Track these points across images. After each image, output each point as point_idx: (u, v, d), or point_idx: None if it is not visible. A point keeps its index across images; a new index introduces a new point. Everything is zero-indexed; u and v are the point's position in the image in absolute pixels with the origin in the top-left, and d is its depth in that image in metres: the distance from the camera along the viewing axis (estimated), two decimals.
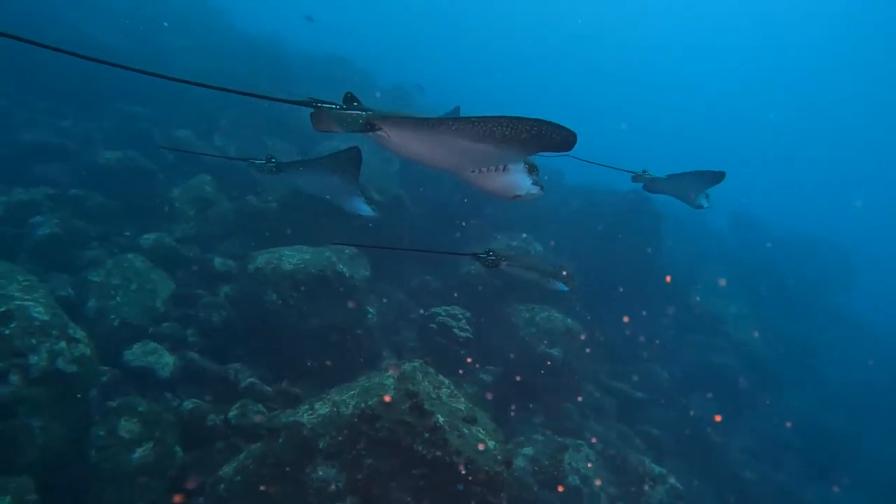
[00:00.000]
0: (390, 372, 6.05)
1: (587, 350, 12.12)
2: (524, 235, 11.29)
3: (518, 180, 3.58)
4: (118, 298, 6.93)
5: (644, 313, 14.25)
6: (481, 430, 5.71)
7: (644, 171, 6.74)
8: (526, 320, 10.03)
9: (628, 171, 6.75)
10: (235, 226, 9.52)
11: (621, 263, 13.76)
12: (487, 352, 10.15)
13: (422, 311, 10.14)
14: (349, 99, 3.16)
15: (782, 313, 18.97)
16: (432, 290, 11.50)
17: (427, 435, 5.28)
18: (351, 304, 8.33)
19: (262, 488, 5.13)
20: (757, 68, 57.92)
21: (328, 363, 7.81)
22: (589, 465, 8.23)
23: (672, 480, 8.47)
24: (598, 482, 8.16)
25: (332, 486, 5.10)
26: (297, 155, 12.23)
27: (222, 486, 5.23)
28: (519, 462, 7.93)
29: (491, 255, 4.98)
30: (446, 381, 6.34)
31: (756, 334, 16.48)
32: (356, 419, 5.34)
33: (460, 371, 9.33)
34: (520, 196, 3.66)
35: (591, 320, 12.90)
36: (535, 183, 3.66)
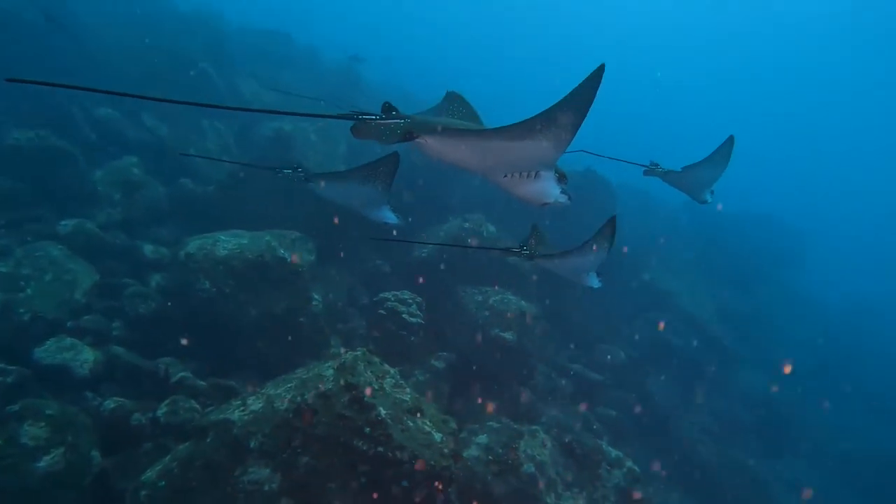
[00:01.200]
0: (330, 363, 5.66)
1: (543, 332, 11.96)
2: (477, 216, 10.94)
3: (548, 188, 3.67)
4: (29, 290, 6.31)
5: (600, 293, 14.11)
6: (427, 423, 5.37)
7: (656, 165, 6.58)
8: (479, 304, 9.72)
9: (640, 165, 6.59)
10: (169, 211, 8.90)
11: (576, 241, 13.53)
12: (440, 337, 9.82)
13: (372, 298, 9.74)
14: (387, 108, 3.25)
15: (737, 291, 19.20)
16: (384, 274, 11.09)
17: (368, 430, 4.91)
18: (293, 292, 7.87)
19: (188, 493, 4.69)
20: (719, 50, 58.53)
21: (269, 354, 7.36)
22: (545, 451, 8.01)
23: (629, 464, 8.32)
24: (553, 468, 7.97)
25: (266, 488, 4.69)
26: (233, 137, 11.58)
27: (144, 492, 4.75)
28: (472, 451, 7.64)
29: (525, 250, 5.27)
30: (391, 371, 5.96)
31: (711, 313, 16.61)
32: (291, 414, 4.93)
33: (411, 358, 8.99)
34: (548, 203, 3.76)
35: (546, 301, 12.71)
36: (563, 192, 3.77)
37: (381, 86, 21.60)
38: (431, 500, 5.05)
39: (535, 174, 3.54)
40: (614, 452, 8.45)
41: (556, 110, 2.84)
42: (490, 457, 7.62)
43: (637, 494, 8.12)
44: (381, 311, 9.01)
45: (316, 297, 8.92)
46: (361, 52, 19.96)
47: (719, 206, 23.40)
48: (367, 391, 5.16)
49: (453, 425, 8.42)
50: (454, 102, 4.92)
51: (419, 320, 9.13)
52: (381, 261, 11.10)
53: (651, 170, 6.51)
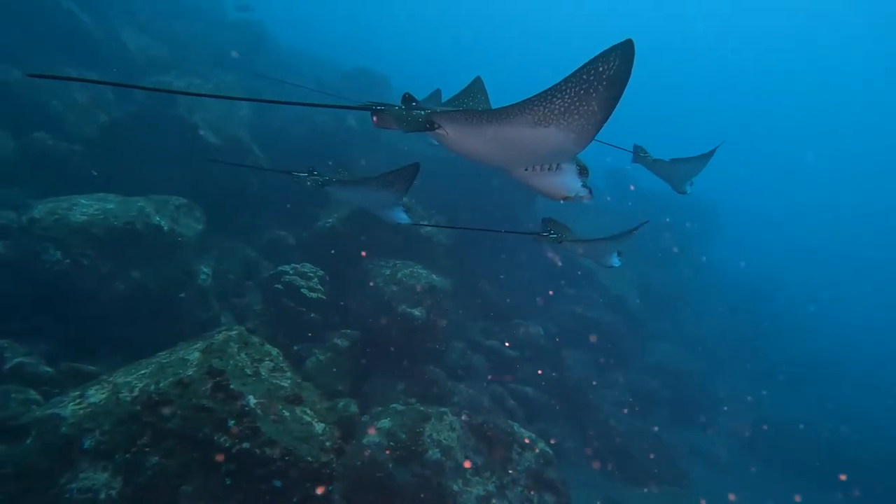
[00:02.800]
0: (199, 344, 4.86)
1: (456, 308, 11.47)
2: None
3: (569, 181, 3.57)
4: None
5: (518, 268, 13.80)
6: (308, 412, 4.69)
7: (644, 151, 6.44)
8: (387, 278, 9.04)
9: (628, 150, 6.44)
10: (20, 170, 7.67)
11: (494, 216, 13.11)
12: (344, 313, 9.11)
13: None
14: (407, 99, 3.23)
15: (655, 267, 19.41)
16: (288, 246, 10.23)
17: (232, 423, 4.18)
18: (172, 264, 6.93)
19: None
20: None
21: (142, 334, 6.43)
22: (453, 434, 7.50)
23: (541, 445, 7.93)
24: (462, 453, 7.49)
25: (102, 495, 3.89)
26: (109, 88, 10.21)
27: None
28: (373, 437, 7.01)
29: (553, 234, 5.21)
30: (273, 353, 5.23)
31: (629, 288, 16.64)
32: (140, 407, 4.13)
33: (311, 336, 8.26)
34: (569, 197, 3.65)
35: (460, 276, 12.22)
36: (584, 185, 3.65)
37: (291, 52, 20.11)
38: (310, 501, 4.40)
39: (557, 167, 3.46)
40: (526, 434, 8.04)
41: (573, 83, 2.63)
42: (392, 443, 7.03)
43: (549, 476, 7.78)
44: (278, 286, 8.20)
45: (205, 270, 8.02)
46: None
47: (631, 187, 23.71)
48: (237, 377, 4.42)
49: (354, 408, 7.86)
50: (475, 93, 4.81)
51: (320, 295, 8.39)
52: (285, 231, 10.23)
53: (640, 157, 6.33)
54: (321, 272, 8.59)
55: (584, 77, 2.56)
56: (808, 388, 19.13)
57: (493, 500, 7.34)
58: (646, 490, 11.06)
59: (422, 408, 7.81)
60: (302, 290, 8.21)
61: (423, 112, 3.13)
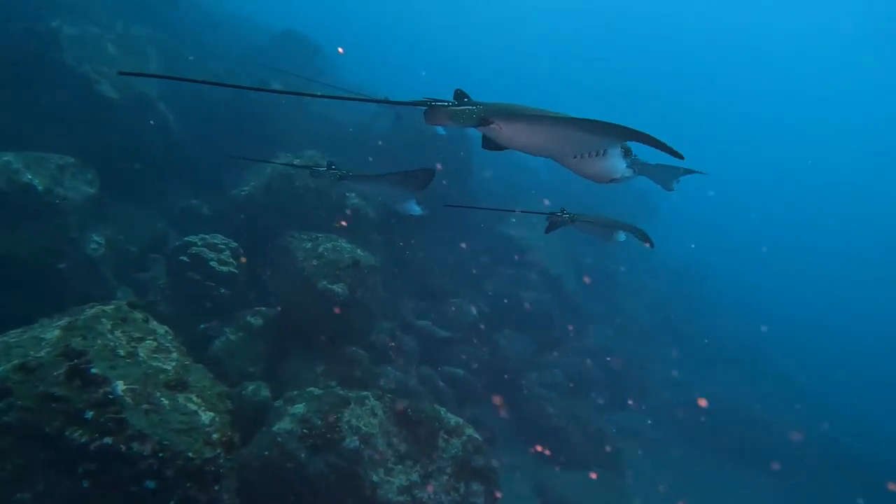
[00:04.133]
0: (64, 320, 4.08)
1: (384, 285, 10.88)
2: (310, 153, 9.45)
3: (615, 164, 3.68)
4: None
5: (455, 246, 13.31)
6: (194, 399, 4.00)
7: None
8: (307, 252, 8.32)
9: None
10: None
11: (429, 191, 12.51)
12: (261, 290, 8.38)
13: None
14: (459, 95, 3.33)
15: (591, 248, 19.32)
16: (202, 216, 9.35)
17: (91, 414, 3.46)
18: (49, 230, 6.02)
19: None
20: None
21: (5, 308, 5.52)
22: (374, 420, 6.95)
23: (469, 431, 7.45)
24: (384, 440, 6.96)
25: None
26: None
27: None
28: (284, 424, 6.38)
29: (566, 214, 5.50)
30: (160, 331, 4.50)
31: (566, 269, 16.44)
32: None
33: (220, 314, 7.49)
34: (616, 179, 3.78)
35: (392, 252, 11.63)
36: (629, 166, 3.78)
37: (213, 7, 18.41)
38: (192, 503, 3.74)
39: (604, 152, 3.60)
40: (454, 419, 7.55)
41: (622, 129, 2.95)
42: (306, 430, 6.41)
43: (477, 463, 7.33)
44: (183, 258, 7.37)
45: (96, 239, 7.13)
46: None
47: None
48: (105, 360, 3.69)
49: (266, 392, 7.17)
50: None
51: (232, 269, 7.61)
52: (198, 200, 9.33)
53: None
54: (234, 244, 7.80)
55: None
56: (741, 369, 19.55)
57: (416, 491, 6.85)
58: (579, 473, 10.85)
59: (341, 392, 7.22)
60: (210, 262, 7.41)
61: (475, 108, 3.24)
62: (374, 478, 6.56)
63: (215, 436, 3.82)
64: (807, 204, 52.35)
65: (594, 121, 2.97)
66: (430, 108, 3.25)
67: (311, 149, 9.63)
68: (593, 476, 10.68)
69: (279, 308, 7.98)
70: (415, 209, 6.81)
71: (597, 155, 3.59)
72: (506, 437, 11.33)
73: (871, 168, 54.65)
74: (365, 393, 7.28)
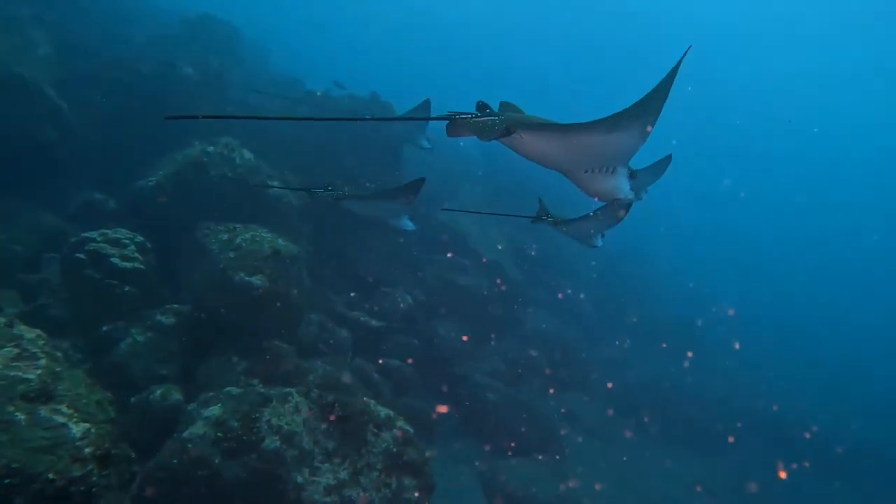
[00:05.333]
0: None
1: (316, 277, 10.47)
2: (227, 140, 8.89)
3: (621, 184, 3.87)
4: None
5: (386, 233, 12.93)
6: (64, 410, 3.53)
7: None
8: (223, 244, 7.79)
9: None
10: None
11: (354, 178, 12.12)
12: (175, 286, 7.83)
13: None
14: (482, 107, 3.43)
15: (528, 233, 19.28)
16: (107, 211, 8.68)
17: None
18: None
19: None
20: None
21: None
22: (298, 418, 6.55)
23: (400, 423, 7.14)
24: (310, 438, 6.58)
25: None
26: None
27: None
28: (196, 429, 5.92)
29: (550, 217, 5.84)
30: (28, 336, 3.98)
31: (503, 254, 16.30)
32: None
33: (125, 314, 6.92)
34: (621, 199, 3.99)
35: (320, 242, 11.19)
36: (632, 189, 3.95)
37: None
38: None
39: (613, 170, 3.74)
40: (384, 412, 7.22)
41: (645, 102, 3.05)
42: (221, 433, 5.97)
43: (409, 457, 7.04)
44: (80, 256, 6.75)
45: None
46: None
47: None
48: None
49: (177, 396, 6.66)
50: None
51: (138, 265, 7.05)
52: (102, 194, 8.63)
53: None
54: (140, 238, 7.23)
55: (649, 98, 3.05)
56: (677, 348, 19.92)
57: (345, 490, 6.50)
58: (522, 460, 10.72)
59: (262, 390, 6.80)
60: (112, 259, 6.82)
61: (499, 119, 3.33)
62: (299, 479, 6.19)
63: (88, 450, 3.37)
64: (743, 183, 54.16)
65: (612, 116, 3.08)
66: (453, 122, 3.34)
67: (228, 135, 9.06)
68: (537, 461, 10.57)
69: (194, 304, 7.46)
70: (408, 225, 7.03)
71: (606, 171, 3.75)
72: (447, 426, 11.11)
73: (798, 137, 56.96)
74: (289, 389, 6.87)
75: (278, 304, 7.90)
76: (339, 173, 12.27)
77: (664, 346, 19.74)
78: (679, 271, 30.18)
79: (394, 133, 14.03)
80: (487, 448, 10.70)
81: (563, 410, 13.17)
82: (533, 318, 15.62)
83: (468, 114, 3.37)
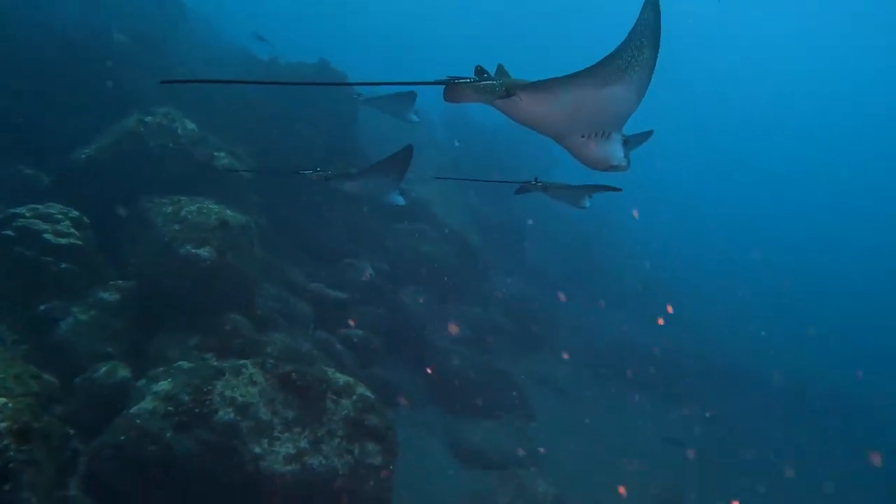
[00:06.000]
0: None
1: (274, 249, 10.21)
2: (166, 110, 8.48)
3: (616, 150, 3.82)
4: None
5: (345, 204, 12.67)
6: None
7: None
8: (168, 216, 7.47)
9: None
10: None
11: (309, 148, 11.80)
12: (117, 262, 7.50)
13: None
14: (480, 71, 3.45)
15: (491, 200, 19.16)
16: (42, 188, 8.23)
17: None
18: None
19: None
20: None
21: None
22: (253, 389, 6.37)
23: (360, 390, 7.01)
24: (268, 409, 6.42)
25: None
26: None
27: None
28: (146, 405, 5.70)
29: (539, 183, 5.82)
30: None
31: (466, 222, 16.17)
32: None
33: (63, 292, 6.60)
34: (614, 166, 3.89)
35: (277, 214, 10.90)
36: (625, 156, 3.92)
37: None
38: None
39: (608, 135, 3.72)
40: (343, 379, 7.08)
41: (632, 40, 3.00)
42: (171, 407, 5.76)
43: (370, 422, 6.93)
44: (8, 233, 6.39)
45: None
46: None
47: None
48: None
49: (123, 373, 6.41)
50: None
51: (74, 241, 6.72)
52: (31, 169, 8.19)
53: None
54: (75, 213, 6.88)
55: (638, 30, 2.94)
56: (644, 309, 20.14)
57: (306, 458, 6.37)
58: (491, 423, 10.73)
59: (215, 363, 6.60)
60: (45, 235, 6.47)
61: (497, 82, 3.28)
62: (257, 449, 6.03)
63: (3, 424, 3.15)
64: (699, 150, 54.86)
65: (608, 56, 3.00)
66: (451, 85, 3.28)
67: (168, 105, 8.65)
68: (504, 422, 10.59)
69: (140, 280, 7.16)
70: (399, 200, 7.05)
71: (601, 136, 3.70)
72: (415, 394, 11.04)
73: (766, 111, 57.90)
74: (243, 361, 6.68)
75: (229, 277, 7.65)
76: (293, 143, 11.94)
77: (632, 307, 20.03)
78: (646, 234, 30.51)
79: (350, 101, 13.69)
80: (455, 412, 10.68)
81: (529, 372, 13.20)
82: (498, 284, 15.58)
83: (467, 78, 3.32)
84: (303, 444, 6.48)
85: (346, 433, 6.72)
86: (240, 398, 6.14)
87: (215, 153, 8.86)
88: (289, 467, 6.18)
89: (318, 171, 6.54)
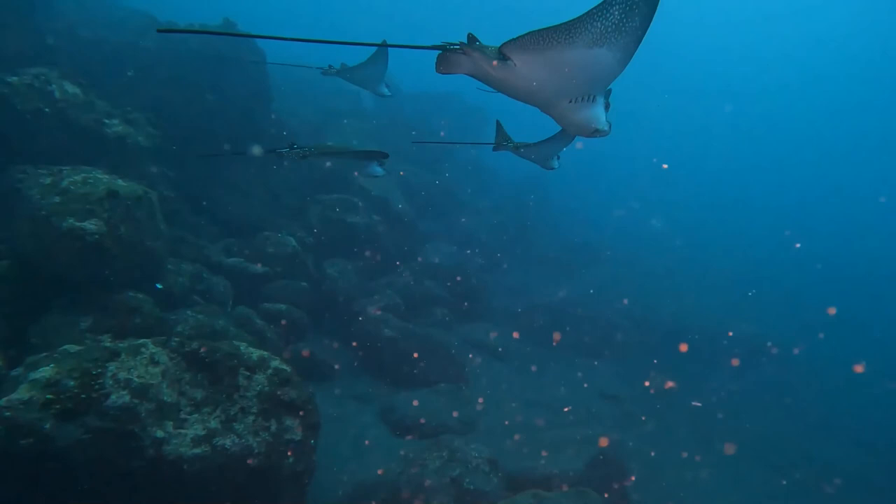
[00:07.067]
0: None
1: (180, 223, 9.52)
2: (40, 70, 7.58)
3: (599, 114, 3.90)
4: None
5: (263, 173, 12.00)
6: None
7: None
8: (46, 188, 6.68)
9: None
10: None
11: (220, 119, 11.04)
12: None
13: None
14: (472, 39, 3.40)
15: (421, 168, 18.72)
16: None
17: None
18: None
19: None
20: None
21: None
22: (155, 369, 5.81)
23: (275, 364, 6.54)
24: (173, 389, 5.89)
25: None
26: None
27: None
28: (20, 395, 5.05)
29: (510, 143, 6.12)
30: None
31: (394, 190, 15.69)
32: None
33: None
34: (598, 130, 3.97)
35: (186, 187, 10.17)
36: (607, 120, 3.99)
37: None
38: None
39: (594, 99, 3.77)
40: (256, 353, 6.59)
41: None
42: (52, 395, 5.12)
43: (288, 396, 6.49)
44: None
45: None
46: None
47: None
48: None
49: None
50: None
51: None
52: None
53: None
54: None
55: None
56: (576, 271, 20.29)
57: (218, 439, 5.90)
58: (425, 391, 10.43)
59: (109, 344, 5.97)
60: None
61: (490, 48, 3.32)
62: (159, 433, 5.51)
63: None
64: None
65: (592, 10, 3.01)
66: (444, 55, 3.32)
67: (40, 65, 7.75)
68: (439, 390, 10.31)
69: (14, 259, 6.41)
70: (377, 171, 7.20)
71: (587, 100, 3.74)
72: (346, 366, 10.64)
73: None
74: (143, 341, 6.08)
75: (125, 252, 6.96)
76: (200, 110, 11.16)
77: (566, 272, 20.13)
78: (582, 202, 30.83)
79: (262, 68, 12.93)
80: (387, 383, 10.35)
81: (464, 339, 12.98)
82: (429, 252, 15.24)
83: (457, 44, 3.32)
84: (213, 424, 6.01)
85: (261, 409, 6.28)
86: (137, 380, 5.57)
87: (106, 120, 8.04)
88: (197, 450, 5.71)
89: (296, 149, 6.52)
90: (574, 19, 3.05)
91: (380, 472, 7.46)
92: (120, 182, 7.09)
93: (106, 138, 7.94)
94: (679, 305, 18.13)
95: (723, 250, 29.45)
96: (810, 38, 57.78)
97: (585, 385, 12.62)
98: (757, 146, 58.11)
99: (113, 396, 5.32)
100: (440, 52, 3.33)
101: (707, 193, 43.17)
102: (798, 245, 29.50)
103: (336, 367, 10.29)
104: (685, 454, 10.56)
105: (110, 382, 5.40)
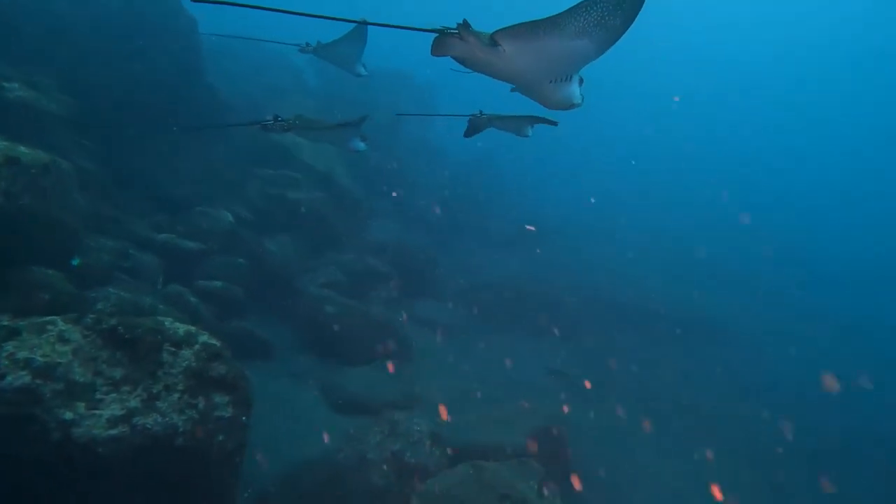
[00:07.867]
0: None
1: (103, 197, 8.98)
2: None
3: (576, 90, 4.13)
4: None
5: (197, 147, 11.44)
6: None
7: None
8: None
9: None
10: None
11: (148, 89, 10.43)
12: None
13: None
14: (467, 25, 3.53)
15: (369, 144, 18.23)
16: None
17: None
18: None
19: None
20: None
21: None
22: (64, 348, 5.40)
23: (203, 338, 6.15)
24: (87, 368, 5.48)
25: None
26: None
27: None
28: None
29: (484, 115, 6.06)
30: None
31: (338, 166, 15.25)
32: None
33: None
34: (574, 104, 4.19)
35: (108, 158, 9.58)
36: (581, 94, 4.18)
37: None
38: None
39: (570, 78, 3.99)
40: (182, 328, 6.19)
41: None
42: None
43: (217, 372, 6.15)
44: None
45: None
46: None
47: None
48: None
49: None
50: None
51: None
52: None
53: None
54: None
55: None
56: (526, 250, 20.25)
57: (138, 418, 5.52)
58: (368, 368, 10.20)
59: (7, 322, 5.51)
60: None
61: (483, 33, 3.51)
62: (67, 415, 5.09)
63: None
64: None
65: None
66: (441, 36, 3.49)
67: None
68: (381, 367, 10.10)
69: None
70: (359, 145, 7.19)
71: (565, 80, 3.95)
72: (286, 344, 10.30)
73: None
74: (50, 318, 5.63)
75: (29, 224, 6.43)
76: (124, 79, 10.50)
77: (514, 249, 20.10)
78: (532, 179, 30.79)
79: (196, 37, 12.28)
80: (329, 360, 10.06)
81: (409, 316, 12.77)
82: (376, 229, 14.94)
83: (456, 27, 3.47)
84: (133, 403, 5.61)
85: (187, 386, 5.89)
86: (40, 359, 5.14)
87: (4, 84, 7.39)
88: (114, 431, 5.31)
89: (280, 121, 6.37)
90: (561, 13, 3.29)
91: (318, 449, 7.21)
92: (22, 149, 6.51)
93: (7, 103, 7.31)
94: (630, 284, 18.29)
95: (679, 232, 29.81)
96: (810, 37, 59.03)
97: (532, 361, 12.61)
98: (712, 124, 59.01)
99: (9, 378, 4.89)
100: (437, 35, 3.53)
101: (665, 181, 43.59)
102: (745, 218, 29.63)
103: (276, 345, 9.94)
104: (629, 427, 10.66)
105: (7, 363, 4.97)
